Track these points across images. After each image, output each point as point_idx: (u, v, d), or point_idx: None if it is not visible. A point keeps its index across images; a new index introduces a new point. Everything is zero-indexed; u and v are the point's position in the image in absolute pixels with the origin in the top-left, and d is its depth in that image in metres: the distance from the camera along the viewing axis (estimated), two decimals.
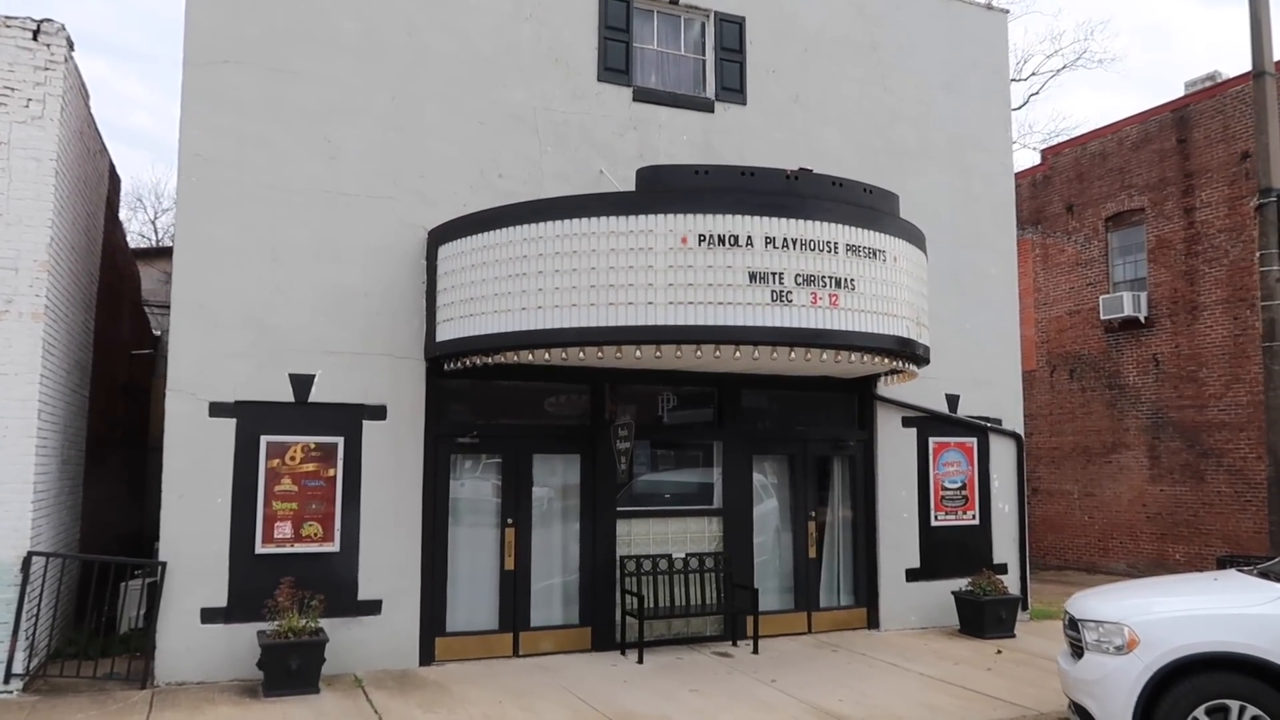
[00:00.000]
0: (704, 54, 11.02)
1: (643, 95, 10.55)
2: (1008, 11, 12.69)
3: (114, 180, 12.09)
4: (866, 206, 8.52)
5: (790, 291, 8.03)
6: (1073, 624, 6.78)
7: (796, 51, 11.34)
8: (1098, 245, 20.02)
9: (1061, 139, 22.52)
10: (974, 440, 11.91)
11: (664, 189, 8.13)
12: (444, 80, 9.75)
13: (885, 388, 11.21)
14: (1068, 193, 20.73)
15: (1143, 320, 18.72)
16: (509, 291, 8.33)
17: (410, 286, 9.44)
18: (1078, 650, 6.68)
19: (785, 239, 8.08)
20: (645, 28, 10.77)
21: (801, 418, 11.31)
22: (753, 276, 7.97)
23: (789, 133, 11.09)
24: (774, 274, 8.02)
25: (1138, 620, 6.22)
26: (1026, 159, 38.26)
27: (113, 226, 12.23)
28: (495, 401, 9.95)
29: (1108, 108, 45.41)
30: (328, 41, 9.35)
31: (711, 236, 7.97)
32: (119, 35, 49.11)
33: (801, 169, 8.39)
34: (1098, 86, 44.79)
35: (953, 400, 11.79)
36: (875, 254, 8.51)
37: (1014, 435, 12.15)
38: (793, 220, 8.12)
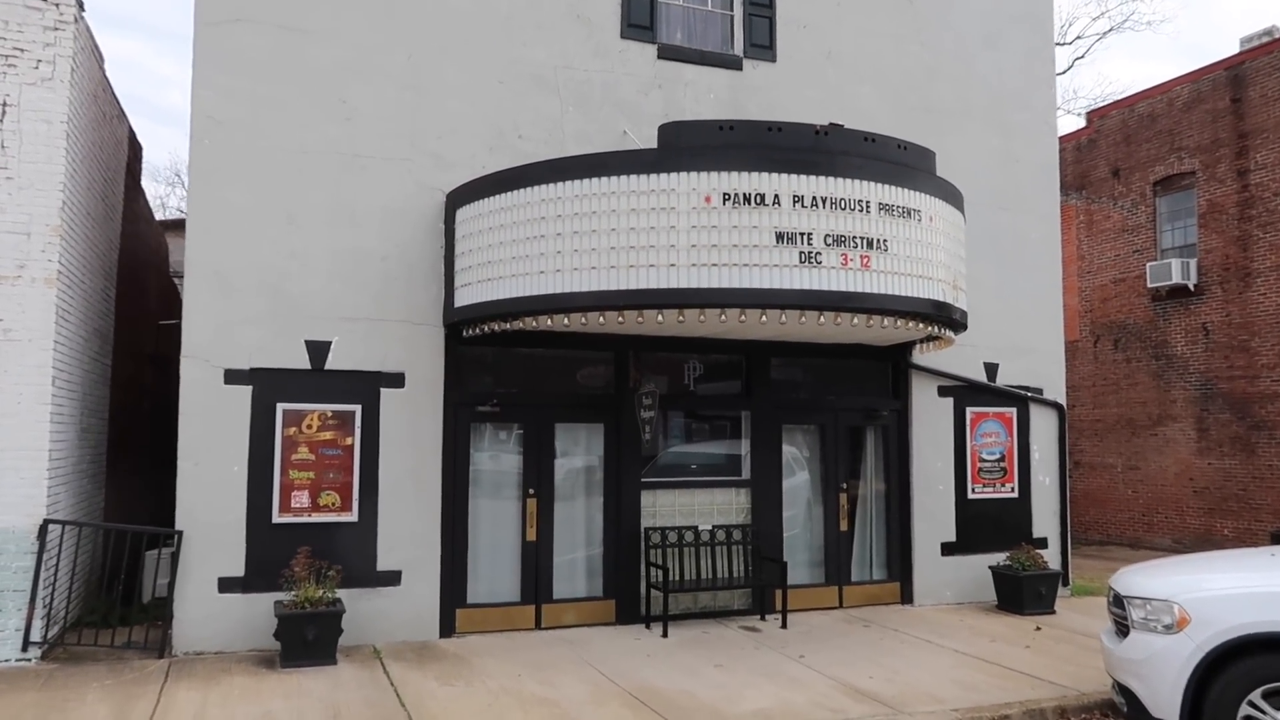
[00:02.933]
0: (732, 9, 10.59)
1: (668, 53, 10.17)
2: None
3: (134, 148, 11.97)
4: (900, 164, 8.11)
5: (819, 252, 7.66)
6: (1118, 601, 6.41)
7: (829, 6, 10.87)
8: (1145, 211, 19.30)
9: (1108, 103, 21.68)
10: (1013, 410, 11.48)
11: (686, 146, 7.77)
12: (461, 39, 9.44)
13: (920, 356, 10.81)
14: (1114, 156, 19.99)
15: (1192, 288, 18.04)
16: (527, 254, 8.05)
17: (428, 251, 9.20)
18: (1123, 628, 6.32)
19: (814, 197, 7.70)
20: None
21: (833, 387, 10.95)
22: (780, 237, 7.62)
23: (821, 90, 10.65)
24: (802, 234, 7.66)
25: (1189, 597, 5.84)
26: (1071, 125, 37.13)
27: (134, 194, 12.12)
28: (516, 369, 9.71)
29: (1145, 76, 43.93)
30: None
31: (736, 195, 7.61)
32: (154, 15, 49.35)
33: (832, 124, 7.99)
34: (1136, 54, 43.14)
35: (991, 369, 11.36)
36: (909, 213, 8.10)
37: (1056, 405, 11.70)
38: (822, 178, 7.74)
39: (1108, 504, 19.57)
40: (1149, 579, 6.29)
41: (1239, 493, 16.99)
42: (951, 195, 8.67)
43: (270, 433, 8.65)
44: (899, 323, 8.23)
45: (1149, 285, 18.65)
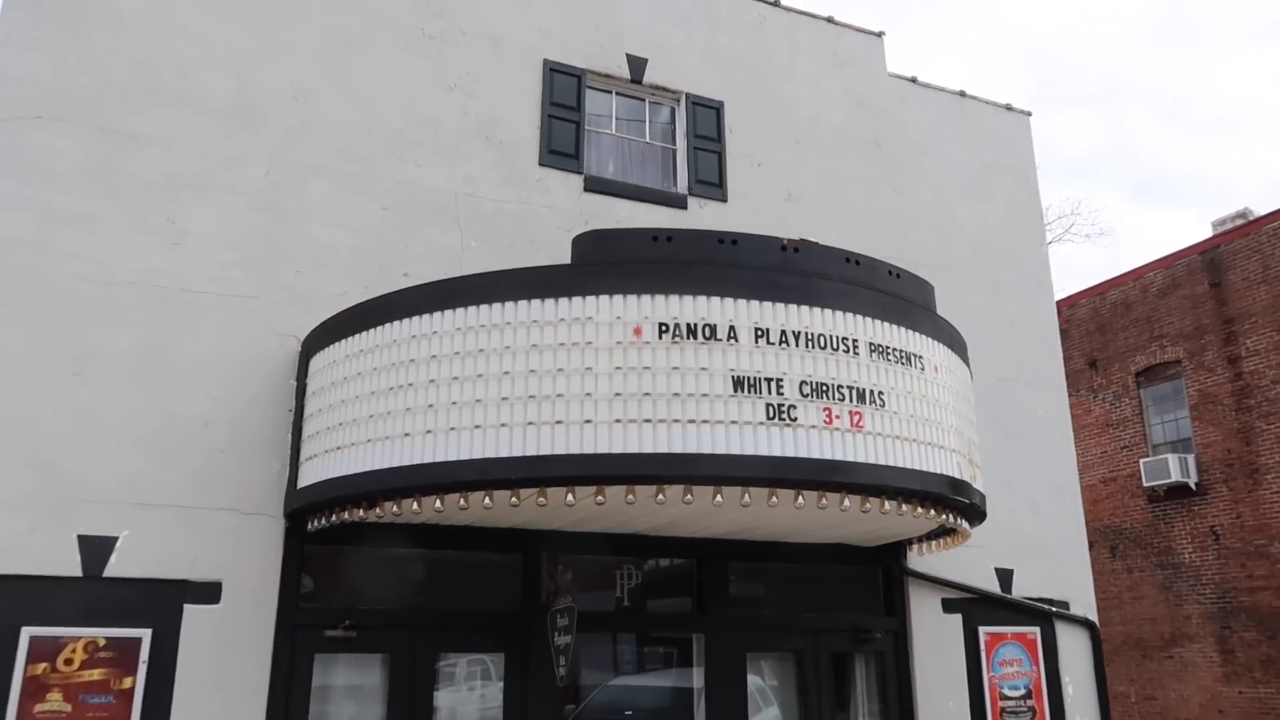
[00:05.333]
0: (674, 143, 9.02)
1: (596, 185, 8.43)
2: (1030, 114, 10.91)
3: None
4: (894, 295, 6.17)
5: (794, 405, 5.52)
6: None
7: (787, 143, 9.36)
8: (1130, 403, 17.75)
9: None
10: (1036, 631, 9.05)
11: (610, 261, 5.77)
12: (338, 154, 7.61)
13: (918, 558, 8.48)
14: (1089, 347, 18.67)
15: (1193, 486, 16.17)
16: (389, 411, 5.80)
17: (272, 414, 6.90)
18: None
19: (784, 332, 5.66)
20: (601, 108, 8.80)
21: (809, 601, 8.49)
22: (739, 383, 5.48)
23: (781, 234, 8.85)
24: (769, 380, 5.53)
25: None
26: None
27: None
28: (384, 577, 7.15)
29: (1085, 281, 44.68)
30: (187, 100, 7.25)
31: (677, 326, 5.53)
32: None
33: (802, 239, 6.09)
34: (1076, 265, 44.15)
35: (1005, 576, 9.03)
36: (909, 360, 6.07)
37: (1086, 623, 9.32)
38: (793, 307, 5.73)
39: None
40: None
41: None
42: (956, 342, 6.71)
43: (6, 672, 5.92)
44: (903, 507, 5.98)
45: (1145, 484, 16.78)
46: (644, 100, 9.01)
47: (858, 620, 8.50)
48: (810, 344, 5.68)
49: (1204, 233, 18.40)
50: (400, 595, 7.18)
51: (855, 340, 5.82)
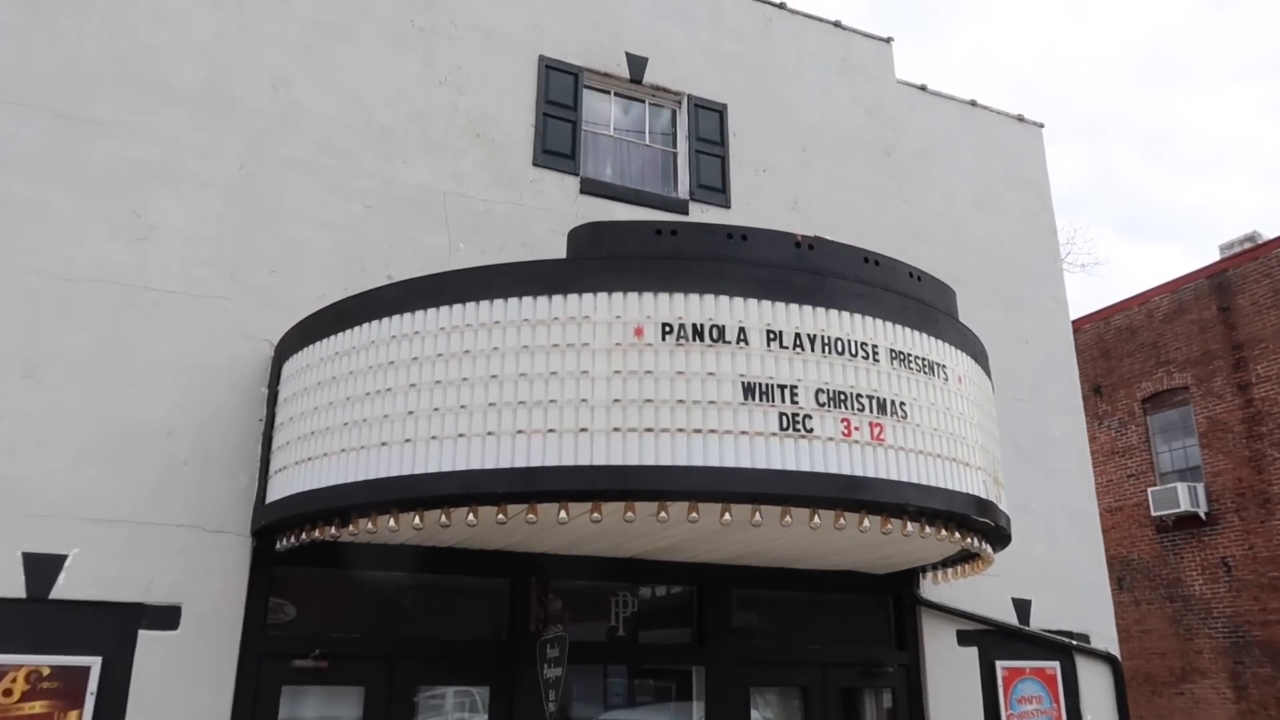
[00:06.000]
0: (675, 147, 8.59)
1: (593, 187, 7.99)
2: (1042, 125, 10.54)
3: None
4: (915, 298, 5.71)
5: (809, 415, 5.03)
6: None
7: (793, 149, 8.95)
8: (1136, 430, 17.29)
9: None
10: (1056, 665, 8.52)
11: (609, 255, 5.30)
12: (318, 148, 7.15)
13: (932, 586, 7.97)
14: (1093, 373, 18.21)
15: (1203, 516, 15.68)
16: (364, 418, 5.29)
17: (240, 423, 6.38)
18: None
19: (798, 335, 5.18)
20: (600, 108, 8.39)
21: (816, 633, 7.96)
22: (749, 390, 5.00)
23: None
24: (783, 388, 5.05)
25: None
26: None
27: None
28: (359, 602, 6.60)
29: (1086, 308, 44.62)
30: (158, 88, 6.80)
31: (682, 327, 5.06)
32: None
33: (817, 236, 5.63)
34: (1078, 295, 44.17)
35: (1022, 607, 8.52)
36: (932, 369, 5.60)
37: (1108, 657, 8.78)
38: (808, 308, 5.26)
39: None
40: None
41: None
42: (979, 353, 6.25)
43: None
44: (926, 528, 5.48)
45: (1153, 514, 16.27)
46: (644, 101, 8.60)
47: (868, 653, 7.96)
48: (827, 349, 5.20)
49: (1190, 267, 18.18)
50: (377, 622, 6.62)
51: (875, 346, 5.35)
